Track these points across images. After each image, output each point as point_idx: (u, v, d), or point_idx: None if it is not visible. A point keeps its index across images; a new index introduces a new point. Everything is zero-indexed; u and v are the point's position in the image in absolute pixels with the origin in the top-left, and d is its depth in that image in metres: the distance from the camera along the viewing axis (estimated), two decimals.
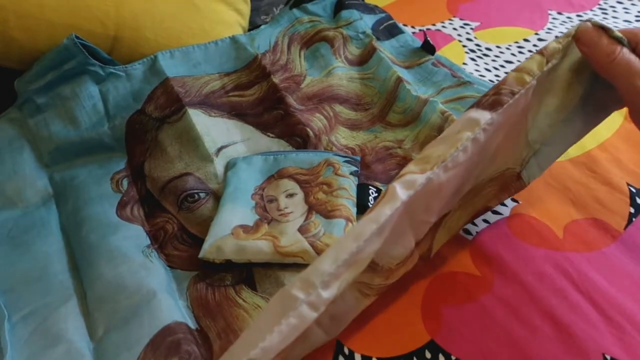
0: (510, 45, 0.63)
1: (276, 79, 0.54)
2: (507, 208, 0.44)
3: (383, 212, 0.29)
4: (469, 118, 0.31)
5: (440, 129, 0.48)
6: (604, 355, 0.34)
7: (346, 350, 0.37)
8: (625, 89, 0.32)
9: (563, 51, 0.33)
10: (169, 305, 0.39)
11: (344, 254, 0.28)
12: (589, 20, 0.33)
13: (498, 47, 0.63)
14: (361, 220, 0.29)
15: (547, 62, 0.32)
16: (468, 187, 0.36)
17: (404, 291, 0.39)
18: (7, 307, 0.40)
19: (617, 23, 0.64)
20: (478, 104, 0.32)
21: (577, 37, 0.33)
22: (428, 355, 0.36)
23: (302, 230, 0.41)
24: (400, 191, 0.30)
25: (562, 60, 0.33)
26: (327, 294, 0.28)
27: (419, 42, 0.60)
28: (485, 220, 0.43)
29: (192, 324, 0.39)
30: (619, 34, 0.32)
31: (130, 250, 0.43)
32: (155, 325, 0.37)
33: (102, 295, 0.40)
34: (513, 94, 0.31)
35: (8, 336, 0.38)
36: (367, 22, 0.61)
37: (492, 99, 0.32)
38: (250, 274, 0.41)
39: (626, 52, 0.32)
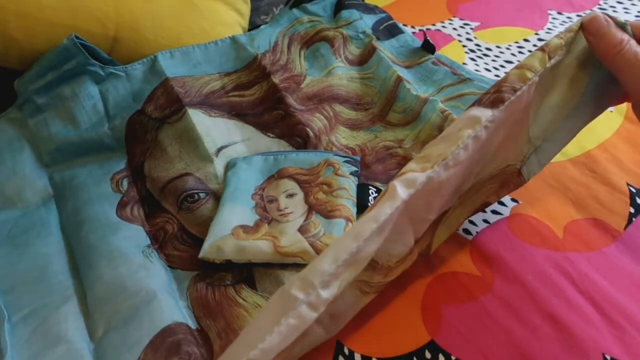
0: (510, 45, 0.63)
1: (276, 79, 0.54)
2: (507, 208, 0.44)
3: (383, 211, 0.29)
4: (470, 116, 0.31)
5: (440, 128, 0.49)
6: (604, 355, 0.34)
7: (346, 351, 0.37)
8: (631, 82, 0.32)
9: (566, 47, 0.33)
10: (169, 305, 0.39)
11: (344, 254, 0.28)
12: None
13: (498, 47, 0.63)
14: (361, 219, 0.29)
15: (550, 58, 0.32)
16: (469, 184, 0.36)
17: (403, 291, 0.39)
18: (7, 307, 0.40)
19: None
20: (479, 102, 0.32)
21: (584, 26, 0.32)
22: (428, 355, 0.36)
23: (302, 230, 0.41)
24: (401, 190, 0.29)
25: (565, 56, 0.33)
26: (326, 294, 0.28)
27: (419, 42, 0.60)
28: (485, 220, 0.43)
29: (193, 324, 0.39)
30: (623, 20, 0.32)
31: (130, 250, 0.43)
32: (155, 326, 0.37)
33: (102, 295, 0.40)
34: (515, 90, 0.31)
35: (8, 336, 0.38)
36: (367, 22, 0.61)
37: (494, 97, 0.31)
38: (250, 273, 0.41)
39: (633, 44, 0.32)
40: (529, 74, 0.32)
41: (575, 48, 0.33)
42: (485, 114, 0.31)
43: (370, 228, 0.28)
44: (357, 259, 0.29)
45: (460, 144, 0.30)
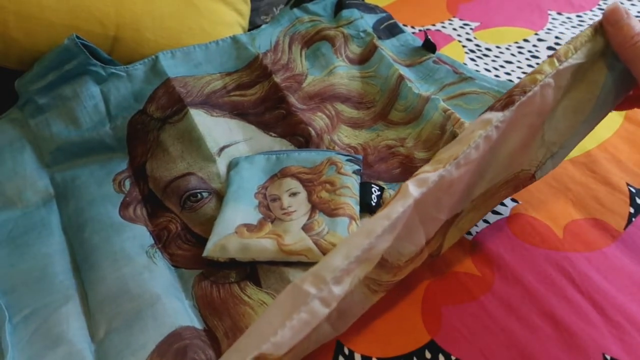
0: (510, 46, 0.63)
1: (277, 79, 0.55)
2: (507, 208, 0.44)
3: (395, 209, 0.29)
4: (482, 119, 0.32)
5: (442, 127, 0.49)
6: (604, 355, 0.34)
7: (346, 351, 0.37)
8: None
9: (576, 51, 0.33)
10: (174, 308, 0.39)
11: (356, 251, 0.29)
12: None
13: (498, 47, 0.63)
14: (373, 217, 0.30)
15: (560, 62, 0.33)
16: (481, 188, 0.36)
17: (404, 291, 0.39)
18: (8, 308, 0.40)
19: None
20: (492, 108, 0.33)
21: (605, 15, 0.34)
22: (428, 355, 0.36)
23: (306, 228, 0.41)
24: (413, 189, 0.30)
25: (580, 61, 0.34)
26: (338, 289, 0.28)
27: (419, 42, 0.60)
28: (485, 220, 0.43)
29: (200, 324, 0.39)
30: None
31: (134, 250, 0.43)
32: (160, 330, 0.37)
33: (104, 296, 0.40)
34: (525, 92, 0.32)
35: (9, 337, 0.38)
36: (367, 21, 0.61)
37: (506, 101, 0.33)
38: (254, 270, 0.41)
39: None
40: (539, 76, 0.33)
41: (590, 53, 0.34)
42: (496, 115, 0.32)
43: (382, 225, 0.29)
44: (369, 255, 0.29)
45: (472, 143, 0.31)
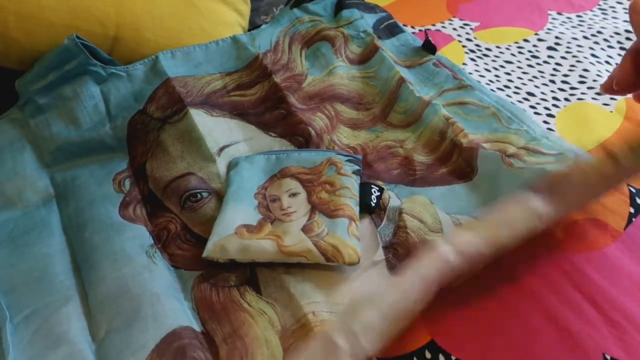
0: (510, 46, 0.63)
1: (277, 79, 0.55)
2: None
3: (429, 271, 0.33)
4: (528, 207, 0.36)
5: (442, 133, 0.49)
6: (604, 355, 0.34)
7: None
8: None
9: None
10: (174, 308, 0.39)
11: (392, 311, 0.32)
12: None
13: (498, 47, 0.63)
14: (408, 272, 0.33)
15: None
16: None
17: None
18: (9, 308, 0.40)
19: (617, 23, 0.64)
20: (534, 189, 0.36)
21: (631, 5, 0.36)
22: (428, 355, 0.36)
23: (306, 229, 0.41)
24: (448, 251, 0.33)
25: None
26: (370, 346, 0.31)
27: (419, 42, 0.60)
28: None
29: (198, 327, 0.39)
30: None
31: (134, 250, 0.43)
32: (159, 330, 0.37)
33: (105, 296, 0.40)
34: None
35: (10, 337, 0.38)
36: (367, 21, 0.61)
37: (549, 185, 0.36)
38: (253, 274, 0.41)
39: None
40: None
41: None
42: (541, 206, 0.36)
43: (419, 288, 0.33)
44: (403, 315, 0.33)
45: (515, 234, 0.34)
